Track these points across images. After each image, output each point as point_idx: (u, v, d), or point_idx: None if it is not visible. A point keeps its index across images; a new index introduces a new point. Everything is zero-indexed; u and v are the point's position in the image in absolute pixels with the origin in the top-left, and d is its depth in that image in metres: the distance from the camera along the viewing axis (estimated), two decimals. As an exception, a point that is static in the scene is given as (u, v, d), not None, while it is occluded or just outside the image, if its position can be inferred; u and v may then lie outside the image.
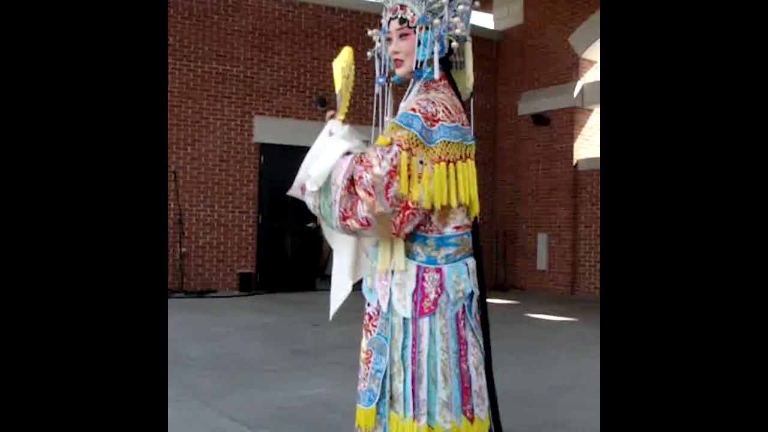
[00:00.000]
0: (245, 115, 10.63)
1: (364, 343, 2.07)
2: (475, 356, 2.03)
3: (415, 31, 2.00)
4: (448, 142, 1.94)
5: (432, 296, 1.97)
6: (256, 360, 5.33)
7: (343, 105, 2.08)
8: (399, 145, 1.90)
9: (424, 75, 2.03)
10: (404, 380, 1.95)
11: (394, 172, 1.88)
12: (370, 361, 2.03)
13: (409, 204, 1.90)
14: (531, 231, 12.45)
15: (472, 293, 2.05)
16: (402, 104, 2.08)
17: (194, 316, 7.53)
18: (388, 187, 1.87)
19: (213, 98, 10.42)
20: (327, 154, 1.98)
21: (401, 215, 1.91)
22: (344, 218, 1.92)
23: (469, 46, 2.11)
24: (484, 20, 14.21)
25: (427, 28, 1.99)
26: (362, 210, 1.90)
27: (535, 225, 12.36)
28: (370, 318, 2.05)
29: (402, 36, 2.03)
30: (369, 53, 2.19)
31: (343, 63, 2.11)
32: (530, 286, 12.31)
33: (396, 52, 2.05)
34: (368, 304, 2.07)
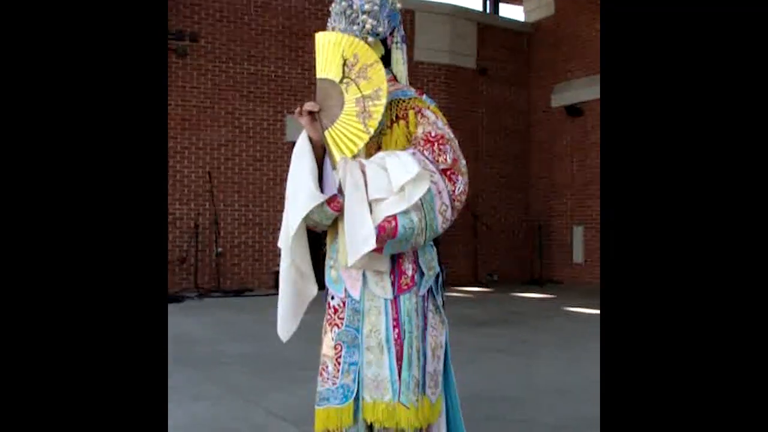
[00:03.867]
0: (277, 115, 10.69)
1: (328, 339, 2.02)
2: (434, 338, 2.03)
3: None
4: None
5: (409, 273, 1.98)
6: (295, 358, 5.34)
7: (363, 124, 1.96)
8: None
9: None
10: (389, 364, 1.93)
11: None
12: (340, 356, 1.99)
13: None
14: (566, 224, 12.33)
15: (438, 274, 2.07)
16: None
17: (232, 316, 7.60)
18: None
19: (245, 98, 10.51)
20: (407, 169, 1.89)
21: None
22: (454, 199, 1.94)
23: (395, 49, 2.12)
24: (514, 12, 14.12)
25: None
26: (462, 180, 1.97)
27: (571, 218, 12.24)
28: (336, 311, 2.03)
29: None
30: None
31: (346, 50, 1.97)
32: (567, 279, 12.19)
33: None
34: (332, 297, 2.06)
